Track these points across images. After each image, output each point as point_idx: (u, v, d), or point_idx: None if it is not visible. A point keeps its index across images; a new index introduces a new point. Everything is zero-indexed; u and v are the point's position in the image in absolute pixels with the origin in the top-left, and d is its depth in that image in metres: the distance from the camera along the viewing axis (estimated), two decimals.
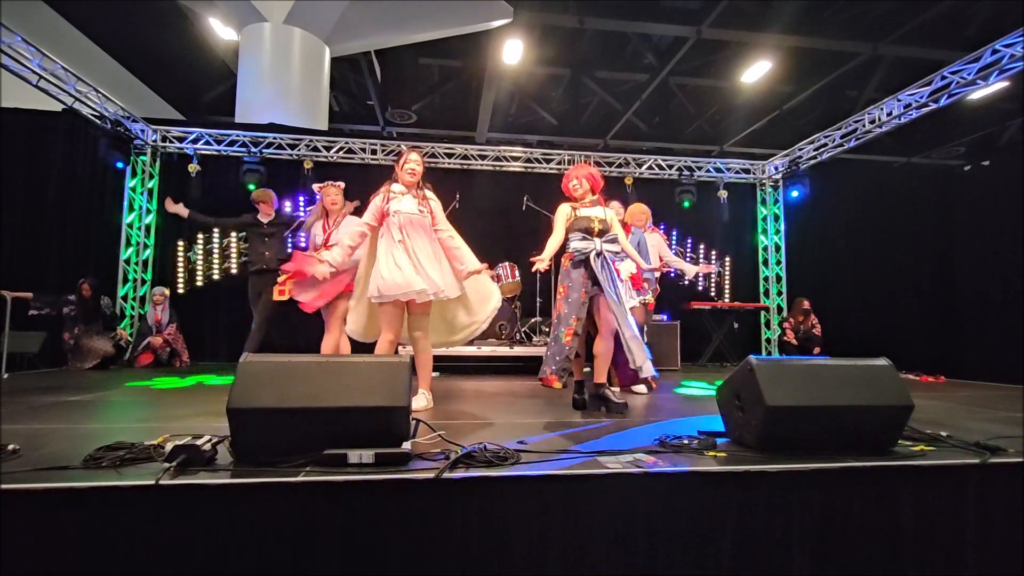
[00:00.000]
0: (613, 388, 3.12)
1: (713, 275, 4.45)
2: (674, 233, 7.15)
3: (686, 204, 6.87)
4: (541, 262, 2.84)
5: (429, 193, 3.04)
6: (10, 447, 1.67)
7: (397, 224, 2.86)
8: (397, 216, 2.87)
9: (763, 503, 1.62)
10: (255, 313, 4.48)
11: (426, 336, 2.97)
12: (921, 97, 5.02)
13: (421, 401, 2.88)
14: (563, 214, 3.08)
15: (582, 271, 2.95)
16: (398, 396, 1.66)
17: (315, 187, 3.78)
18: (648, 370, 2.74)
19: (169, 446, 1.54)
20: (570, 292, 2.96)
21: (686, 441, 1.91)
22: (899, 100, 5.25)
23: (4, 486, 1.33)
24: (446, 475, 1.49)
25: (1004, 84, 4.71)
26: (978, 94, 5.04)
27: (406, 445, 1.64)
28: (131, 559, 1.35)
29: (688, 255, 7.18)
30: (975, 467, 1.72)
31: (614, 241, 3.00)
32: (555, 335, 2.94)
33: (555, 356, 2.88)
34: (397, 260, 2.79)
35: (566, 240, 3.03)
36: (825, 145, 6.31)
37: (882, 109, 5.46)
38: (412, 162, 2.98)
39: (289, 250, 4.89)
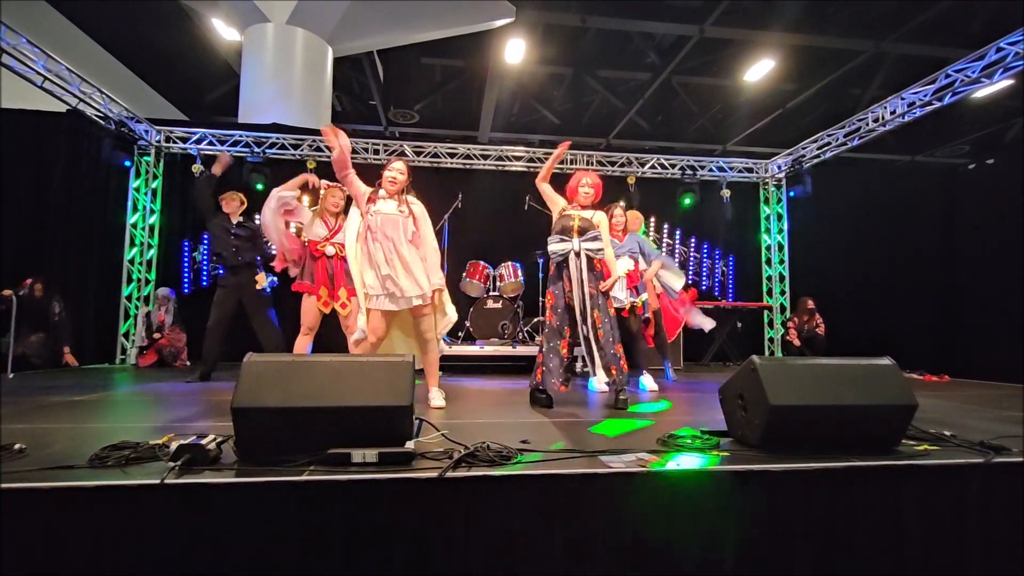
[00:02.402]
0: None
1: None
2: (677, 233, 7.14)
3: (685, 203, 6.86)
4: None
5: (412, 199, 3.06)
6: (16, 446, 1.69)
7: (375, 224, 2.90)
8: (375, 217, 2.91)
9: (766, 502, 1.62)
10: (219, 314, 4.22)
11: (433, 337, 3.02)
12: (925, 95, 5.00)
13: (439, 400, 2.95)
14: (557, 200, 3.21)
15: (564, 276, 2.99)
16: (401, 395, 1.67)
17: (323, 184, 3.81)
18: (600, 381, 2.89)
19: (174, 445, 1.55)
20: (557, 301, 3.01)
21: (689, 440, 1.91)
22: (903, 99, 5.23)
23: (12, 485, 1.35)
24: (449, 474, 1.50)
25: (1008, 82, 4.68)
26: (982, 92, 5.01)
27: (409, 444, 1.65)
28: (136, 558, 1.36)
29: (692, 254, 7.18)
30: (979, 467, 1.72)
31: (595, 239, 3.00)
32: (552, 346, 2.96)
33: (558, 368, 2.93)
34: (378, 264, 2.85)
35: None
36: (828, 144, 6.29)
37: (886, 108, 5.44)
38: (393, 171, 3.00)
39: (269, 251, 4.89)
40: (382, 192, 3.00)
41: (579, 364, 4.41)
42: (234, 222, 4.44)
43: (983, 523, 1.69)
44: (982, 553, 1.69)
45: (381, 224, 2.89)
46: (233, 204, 4.51)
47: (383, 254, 2.85)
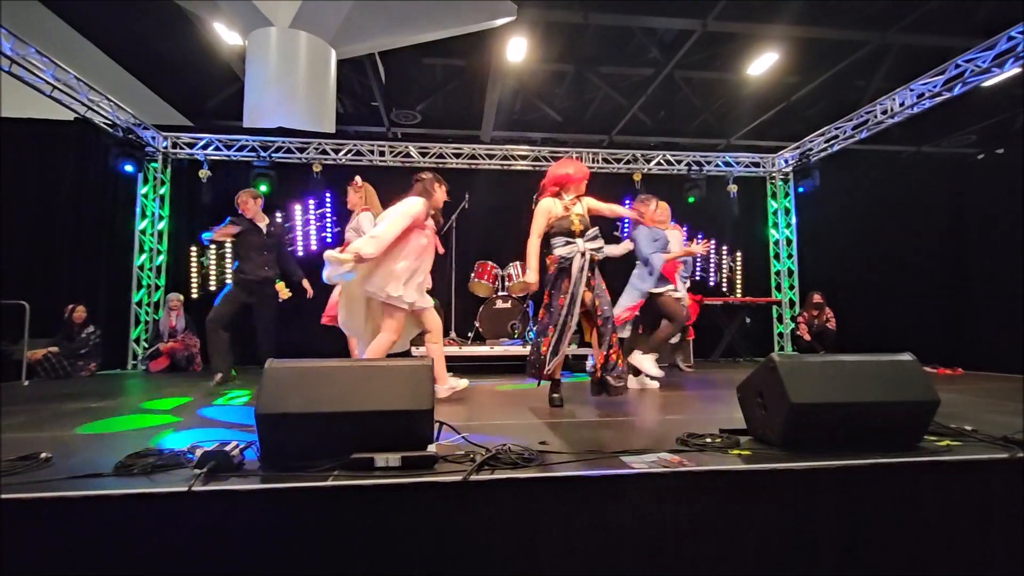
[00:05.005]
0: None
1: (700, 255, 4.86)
2: (685, 228, 7.11)
3: (691, 200, 6.84)
4: (531, 282, 3.04)
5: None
6: (42, 455, 1.70)
7: (425, 239, 3.11)
8: (426, 232, 3.13)
9: (789, 501, 1.61)
10: (224, 312, 4.04)
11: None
12: (935, 86, 4.96)
13: (458, 384, 3.18)
14: (544, 213, 3.04)
15: (566, 278, 2.95)
16: (422, 399, 1.67)
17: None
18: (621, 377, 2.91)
19: (199, 452, 1.55)
20: (552, 299, 2.99)
21: (709, 440, 1.90)
22: (912, 90, 5.19)
23: (42, 494, 1.36)
24: (473, 478, 1.50)
25: (1017, 70, 4.63)
26: (991, 81, 4.96)
27: (431, 448, 1.65)
28: (165, 565, 1.37)
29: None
30: (1003, 462, 1.71)
31: (596, 238, 3.02)
32: (536, 342, 3.00)
33: (534, 364, 2.98)
34: (415, 273, 3.05)
35: (548, 240, 3.06)
36: (836, 137, 6.25)
37: (894, 99, 5.40)
38: (446, 196, 3.28)
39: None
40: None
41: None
42: (261, 227, 4.17)
43: (1008, 519, 1.68)
44: (1007, 550, 1.68)
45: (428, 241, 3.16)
46: (250, 206, 4.16)
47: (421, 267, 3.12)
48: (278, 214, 6.38)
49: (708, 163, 7.06)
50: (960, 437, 1.95)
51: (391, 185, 5.87)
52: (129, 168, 5.74)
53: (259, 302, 4.19)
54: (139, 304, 6.07)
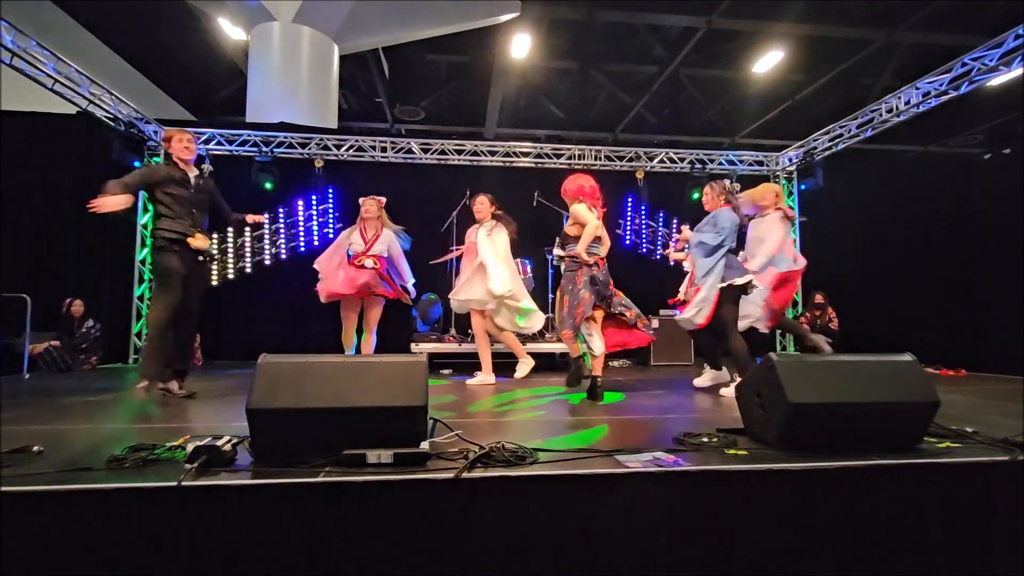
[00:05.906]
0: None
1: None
2: (687, 227, 7.08)
3: (695, 195, 6.80)
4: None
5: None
6: (35, 448, 1.70)
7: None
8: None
9: (786, 502, 1.60)
10: (175, 295, 3.15)
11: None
12: (941, 84, 4.91)
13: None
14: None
15: None
16: (416, 395, 1.66)
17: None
18: None
19: (190, 447, 1.55)
20: None
21: (705, 439, 1.88)
22: (917, 88, 5.14)
23: (32, 488, 1.36)
24: (465, 475, 1.49)
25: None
26: (998, 80, 4.91)
27: (424, 445, 1.64)
28: (154, 559, 1.37)
29: None
30: (1004, 464, 1.68)
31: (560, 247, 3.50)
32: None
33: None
34: None
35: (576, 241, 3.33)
36: (841, 135, 6.20)
37: (900, 98, 5.35)
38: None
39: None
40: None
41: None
42: (191, 177, 3.35)
43: (1009, 522, 1.66)
44: (1008, 553, 1.65)
45: None
46: (181, 149, 3.29)
47: None
48: (280, 209, 6.38)
49: (711, 161, 7.02)
50: (960, 439, 1.92)
51: (393, 182, 5.89)
52: (132, 162, 5.74)
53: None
54: (140, 298, 6.09)
